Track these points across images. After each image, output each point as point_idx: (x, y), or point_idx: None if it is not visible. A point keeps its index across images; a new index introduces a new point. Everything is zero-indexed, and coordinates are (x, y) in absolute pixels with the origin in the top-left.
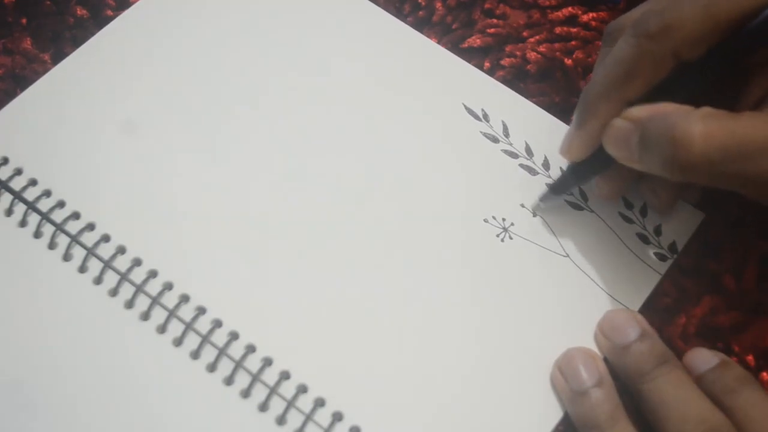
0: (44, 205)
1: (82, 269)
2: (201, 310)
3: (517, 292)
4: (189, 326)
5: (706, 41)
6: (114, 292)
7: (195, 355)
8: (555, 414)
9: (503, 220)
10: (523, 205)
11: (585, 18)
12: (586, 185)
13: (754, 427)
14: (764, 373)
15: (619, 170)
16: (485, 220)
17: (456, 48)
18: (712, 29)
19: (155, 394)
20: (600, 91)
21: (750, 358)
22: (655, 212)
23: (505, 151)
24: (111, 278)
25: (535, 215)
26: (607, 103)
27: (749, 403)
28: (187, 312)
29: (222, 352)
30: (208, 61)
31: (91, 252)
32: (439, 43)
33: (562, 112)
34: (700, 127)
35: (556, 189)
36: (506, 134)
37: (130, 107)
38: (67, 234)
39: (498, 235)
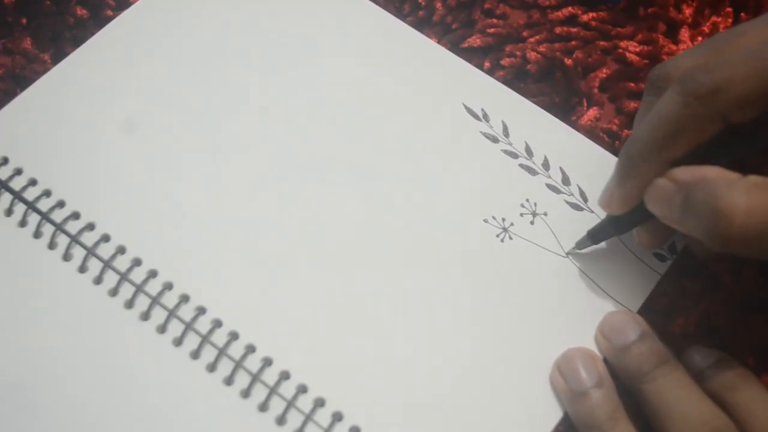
0: (44, 205)
1: (82, 269)
2: (201, 310)
3: (517, 293)
4: (189, 326)
5: (758, 105)
6: (114, 292)
7: (195, 355)
8: (555, 414)
9: (503, 220)
10: (523, 206)
11: (585, 18)
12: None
13: (756, 423)
14: (764, 374)
15: (660, 222)
16: (485, 221)
17: (456, 48)
18: (763, 93)
19: (155, 394)
20: (644, 149)
21: (750, 358)
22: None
23: (505, 151)
24: (111, 278)
25: (535, 218)
26: (651, 163)
27: (750, 399)
28: (187, 312)
29: (222, 352)
30: (208, 61)
31: (91, 252)
32: (439, 43)
33: (562, 112)
34: (744, 199)
35: (594, 236)
36: (506, 134)
37: (130, 107)
38: (67, 234)
39: (498, 236)
